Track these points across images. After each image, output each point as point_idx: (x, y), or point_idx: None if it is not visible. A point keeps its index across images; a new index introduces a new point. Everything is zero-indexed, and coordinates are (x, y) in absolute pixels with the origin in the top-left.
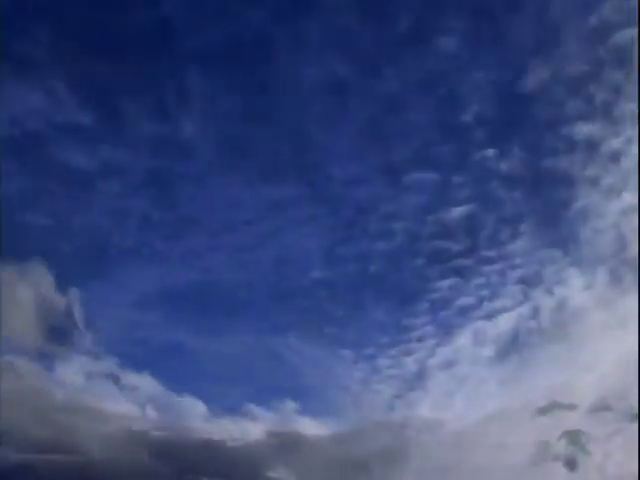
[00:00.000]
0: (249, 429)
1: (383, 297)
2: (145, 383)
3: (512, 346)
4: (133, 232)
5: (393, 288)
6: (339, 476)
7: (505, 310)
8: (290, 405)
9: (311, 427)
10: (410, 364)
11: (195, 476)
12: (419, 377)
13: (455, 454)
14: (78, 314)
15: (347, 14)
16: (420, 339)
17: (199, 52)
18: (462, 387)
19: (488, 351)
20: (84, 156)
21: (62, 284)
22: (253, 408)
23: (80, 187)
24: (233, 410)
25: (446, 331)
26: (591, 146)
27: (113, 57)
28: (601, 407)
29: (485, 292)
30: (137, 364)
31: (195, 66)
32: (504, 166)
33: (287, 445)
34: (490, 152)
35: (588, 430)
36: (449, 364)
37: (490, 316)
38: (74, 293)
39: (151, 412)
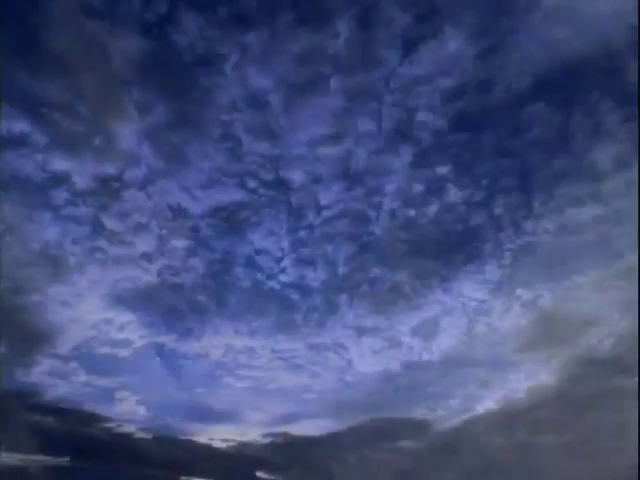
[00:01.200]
0: (238, 430)
1: (355, 300)
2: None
3: None
4: (84, 240)
5: (364, 292)
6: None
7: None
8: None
9: (301, 428)
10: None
11: (184, 476)
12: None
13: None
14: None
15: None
16: (393, 342)
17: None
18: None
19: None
20: (32, 166)
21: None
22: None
23: (29, 196)
24: (220, 412)
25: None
26: None
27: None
28: None
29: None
30: (117, 363)
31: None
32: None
33: (277, 446)
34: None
35: None
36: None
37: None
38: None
39: (139, 413)
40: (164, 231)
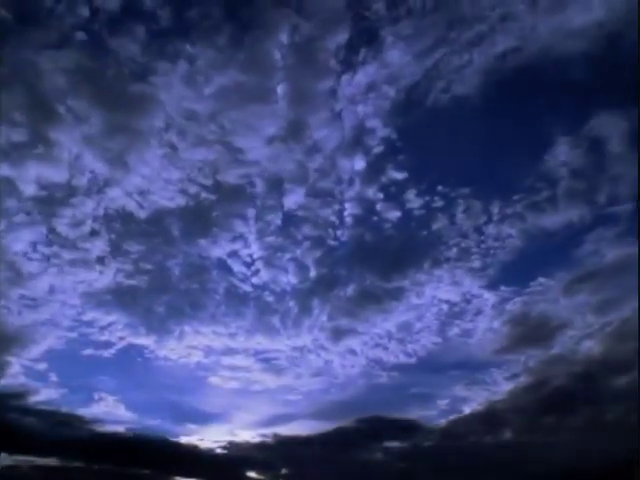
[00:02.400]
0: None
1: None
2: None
3: None
4: (42, 246)
5: (336, 295)
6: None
7: None
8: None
9: (289, 428)
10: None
11: (174, 477)
12: None
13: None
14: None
15: None
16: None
17: None
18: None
19: None
20: None
21: None
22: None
23: None
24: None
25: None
26: None
27: None
28: None
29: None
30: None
31: None
32: None
33: (266, 446)
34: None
35: None
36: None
37: None
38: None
39: (127, 414)
40: (113, 235)
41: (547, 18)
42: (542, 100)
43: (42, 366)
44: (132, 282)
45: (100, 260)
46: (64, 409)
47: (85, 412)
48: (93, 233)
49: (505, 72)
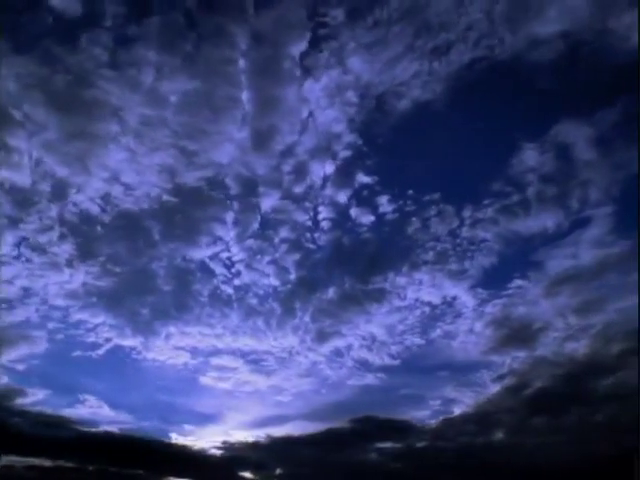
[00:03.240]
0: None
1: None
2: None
3: None
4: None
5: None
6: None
7: None
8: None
9: (281, 428)
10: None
11: (167, 477)
12: None
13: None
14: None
15: None
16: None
17: None
18: None
19: None
20: None
21: None
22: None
23: None
24: (199, 414)
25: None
26: None
27: None
28: None
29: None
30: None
31: None
32: None
33: (259, 446)
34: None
35: None
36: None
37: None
38: None
39: (118, 415)
40: (80, 239)
41: (513, 28)
42: (508, 106)
43: (29, 367)
44: (111, 284)
45: (69, 263)
46: (53, 411)
47: (75, 413)
48: (62, 237)
49: (471, 79)
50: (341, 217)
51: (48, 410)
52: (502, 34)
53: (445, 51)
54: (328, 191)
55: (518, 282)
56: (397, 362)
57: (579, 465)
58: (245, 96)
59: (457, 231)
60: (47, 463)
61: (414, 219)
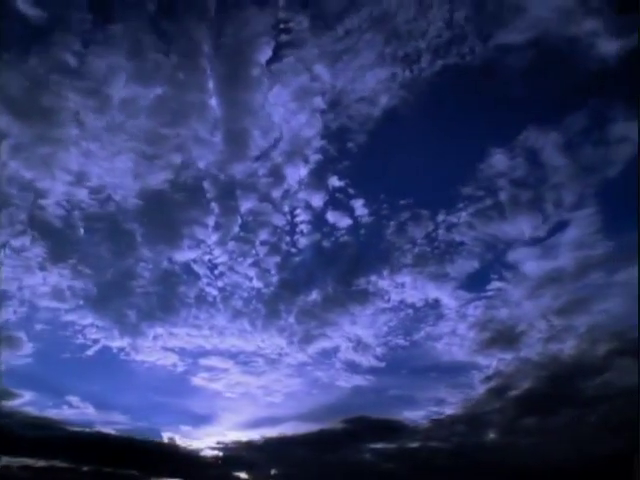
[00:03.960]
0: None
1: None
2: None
3: None
4: None
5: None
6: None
7: None
8: None
9: (274, 429)
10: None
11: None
12: None
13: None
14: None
15: None
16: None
17: None
18: None
19: None
20: None
21: None
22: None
23: None
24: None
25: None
26: None
27: None
28: None
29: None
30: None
31: None
32: None
33: (252, 446)
34: None
35: None
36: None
37: None
38: None
39: (110, 416)
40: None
41: (483, 36)
42: (478, 113)
43: (18, 369)
44: (96, 286)
45: (43, 266)
46: (43, 412)
47: (67, 414)
48: (35, 240)
49: (442, 86)
50: (318, 220)
51: (37, 411)
52: (472, 42)
53: (416, 59)
54: (304, 195)
55: (498, 284)
56: (383, 364)
57: (572, 465)
58: (214, 101)
59: (433, 234)
60: (41, 463)
61: (389, 223)
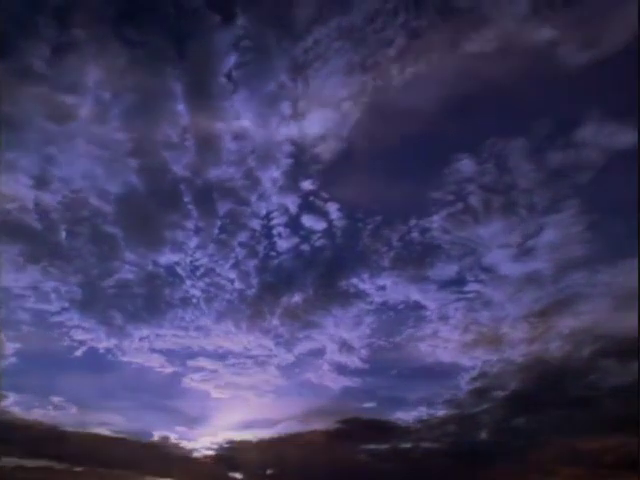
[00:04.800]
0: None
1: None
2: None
3: None
4: None
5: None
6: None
7: None
8: None
9: (267, 430)
10: None
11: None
12: None
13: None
14: None
15: None
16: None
17: None
18: None
19: None
20: None
21: None
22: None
23: None
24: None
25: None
26: None
27: None
28: None
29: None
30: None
31: None
32: None
33: (244, 447)
34: None
35: None
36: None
37: None
38: None
39: (103, 416)
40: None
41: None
42: (445, 118)
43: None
44: (81, 288)
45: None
46: (31, 413)
47: (58, 415)
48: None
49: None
50: (294, 224)
51: (25, 412)
52: (442, 52)
53: (386, 68)
54: (278, 198)
55: (477, 286)
56: (367, 365)
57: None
58: (182, 107)
59: (407, 237)
60: (34, 464)
61: (365, 226)
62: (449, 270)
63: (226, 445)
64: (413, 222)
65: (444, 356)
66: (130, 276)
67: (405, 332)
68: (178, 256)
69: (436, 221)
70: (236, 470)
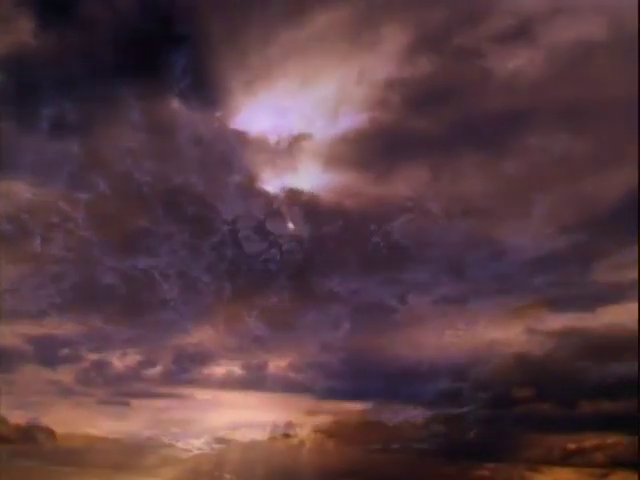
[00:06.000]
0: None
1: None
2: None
3: None
4: None
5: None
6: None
7: None
8: None
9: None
10: None
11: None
12: None
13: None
14: None
15: None
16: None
17: None
18: None
19: None
20: None
21: None
22: None
23: None
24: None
25: None
26: None
27: None
28: None
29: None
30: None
31: None
32: None
33: (239, 448)
34: None
35: None
36: None
37: None
38: None
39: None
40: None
41: None
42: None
43: None
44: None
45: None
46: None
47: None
48: None
49: None
50: (259, 228)
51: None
52: None
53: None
54: (243, 203)
55: (450, 288)
56: (349, 367)
57: None
58: (138, 116)
59: (372, 241)
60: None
61: (329, 231)
62: (420, 272)
63: (213, 445)
64: (373, 227)
65: (424, 357)
66: (108, 280)
67: (384, 334)
68: (153, 260)
69: (396, 226)
70: (230, 471)
